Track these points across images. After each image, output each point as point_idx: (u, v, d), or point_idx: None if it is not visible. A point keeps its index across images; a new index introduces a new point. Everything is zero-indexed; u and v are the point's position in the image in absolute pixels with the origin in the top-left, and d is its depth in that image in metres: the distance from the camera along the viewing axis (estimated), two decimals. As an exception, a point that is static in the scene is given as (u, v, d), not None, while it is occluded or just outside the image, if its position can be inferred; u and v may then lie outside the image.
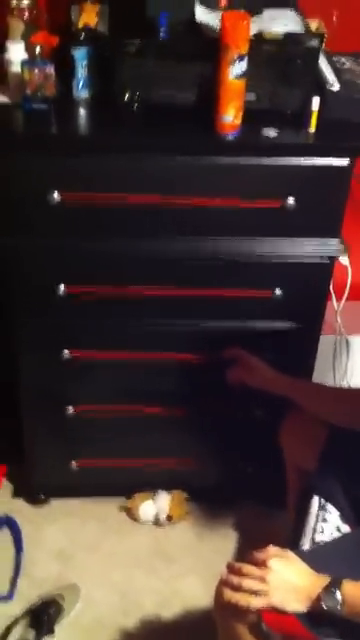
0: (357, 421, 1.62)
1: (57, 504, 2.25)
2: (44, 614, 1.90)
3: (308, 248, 1.75)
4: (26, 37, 1.69)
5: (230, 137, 1.61)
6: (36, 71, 1.60)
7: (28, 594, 2.01)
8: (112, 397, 2.00)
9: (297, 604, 1.33)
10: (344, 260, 1.91)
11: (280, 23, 1.64)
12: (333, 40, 1.77)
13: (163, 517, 2.17)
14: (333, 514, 1.57)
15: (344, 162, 1.64)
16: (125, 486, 2.23)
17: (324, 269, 1.80)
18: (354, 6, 1.94)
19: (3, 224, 1.72)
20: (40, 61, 1.62)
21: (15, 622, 1.92)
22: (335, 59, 1.79)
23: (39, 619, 1.90)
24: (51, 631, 1.90)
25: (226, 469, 2.14)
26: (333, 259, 1.78)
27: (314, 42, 1.61)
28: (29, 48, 1.66)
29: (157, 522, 2.19)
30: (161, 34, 1.59)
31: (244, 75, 1.54)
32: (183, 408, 2.01)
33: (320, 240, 1.75)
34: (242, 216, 1.70)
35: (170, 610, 1.99)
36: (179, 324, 1.87)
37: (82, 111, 1.69)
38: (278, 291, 1.80)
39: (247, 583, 1.34)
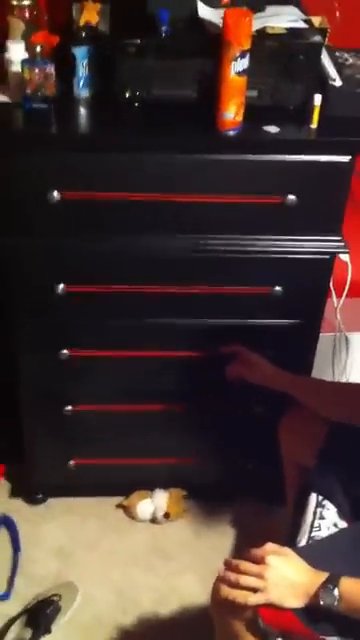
0: (356, 415, 1.63)
1: (56, 503, 2.25)
2: (41, 613, 1.90)
3: (308, 245, 1.75)
4: (26, 36, 1.69)
5: (231, 134, 1.61)
6: (36, 70, 1.60)
7: (26, 593, 2.00)
8: (112, 396, 2.00)
9: (295, 600, 1.33)
10: (344, 257, 1.91)
11: (282, 19, 1.64)
12: (336, 36, 1.77)
13: (160, 515, 2.17)
14: (331, 511, 1.57)
15: (345, 159, 1.65)
16: (124, 485, 2.23)
17: (324, 266, 1.80)
18: (357, 2, 1.94)
19: (3, 224, 1.72)
20: (40, 60, 1.62)
21: (12, 621, 1.92)
22: (338, 54, 1.80)
23: (36, 618, 1.89)
24: (48, 630, 1.89)
25: (226, 466, 2.15)
26: (333, 256, 1.79)
27: (317, 37, 1.62)
28: (29, 47, 1.66)
29: (155, 520, 2.20)
30: (162, 31, 1.59)
31: (245, 72, 1.54)
32: (183, 406, 2.01)
33: (320, 237, 1.75)
34: (242, 213, 1.70)
35: (168, 607, 2.00)
36: (179, 322, 1.87)
37: (82, 110, 1.69)
38: (278, 288, 1.80)
39: (245, 580, 1.35)
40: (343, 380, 2.24)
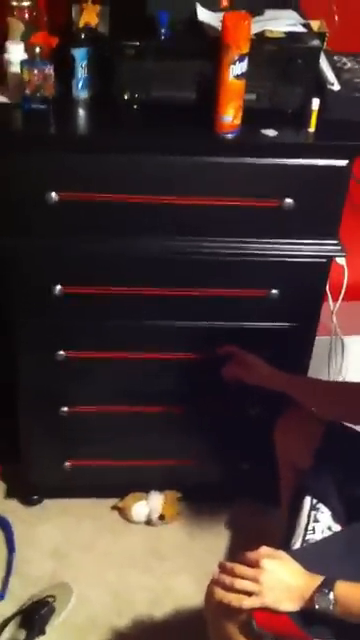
0: (351, 414, 1.63)
1: (51, 504, 2.25)
2: (35, 614, 1.89)
3: (305, 248, 1.76)
4: (26, 38, 1.69)
5: (229, 137, 1.61)
6: (35, 71, 1.60)
7: (20, 594, 2.00)
8: (109, 397, 2.00)
9: (290, 604, 1.33)
10: (340, 260, 1.92)
11: (281, 23, 1.64)
12: (335, 40, 1.78)
13: (155, 517, 2.17)
14: (325, 514, 1.57)
15: (343, 162, 1.65)
16: (119, 486, 2.22)
17: (321, 269, 1.80)
18: (356, 6, 1.95)
19: (1, 224, 1.72)
20: (39, 61, 1.62)
21: (6, 622, 1.92)
22: (336, 59, 1.80)
23: (31, 619, 1.89)
24: (42, 632, 1.89)
25: (222, 467, 2.15)
26: (330, 259, 1.79)
27: (315, 41, 1.62)
28: (29, 49, 1.66)
29: (150, 522, 2.20)
30: (161, 34, 1.59)
31: (244, 75, 1.55)
32: (180, 407, 2.01)
33: (317, 240, 1.75)
34: (240, 216, 1.71)
35: (162, 609, 1.99)
36: (177, 324, 1.87)
37: (81, 111, 1.69)
38: (275, 291, 1.80)
39: (240, 583, 1.35)
40: (339, 382, 2.25)
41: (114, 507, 2.24)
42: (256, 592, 1.33)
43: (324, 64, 1.73)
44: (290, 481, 1.77)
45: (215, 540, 2.18)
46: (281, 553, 1.39)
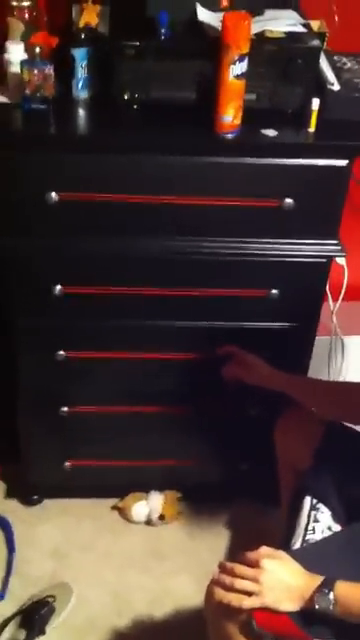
0: (351, 414, 1.63)
1: (51, 504, 2.25)
2: (35, 614, 1.90)
3: (305, 248, 1.76)
4: (26, 38, 1.69)
5: (229, 137, 1.61)
6: (35, 71, 1.60)
7: (20, 594, 2.00)
8: (109, 397, 2.00)
9: (290, 604, 1.33)
10: (340, 260, 1.92)
11: (281, 23, 1.64)
12: (335, 40, 1.78)
13: (155, 517, 2.18)
14: (325, 514, 1.57)
15: (343, 163, 1.65)
16: (119, 486, 2.23)
17: (321, 269, 1.80)
18: (356, 6, 1.95)
19: (1, 224, 1.72)
20: (39, 61, 1.62)
21: (6, 622, 1.92)
22: (336, 59, 1.80)
23: (30, 619, 1.89)
24: (42, 632, 1.89)
25: (222, 467, 2.15)
26: (330, 259, 1.79)
27: (315, 41, 1.62)
28: (29, 48, 1.66)
29: (150, 522, 2.20)
30: (161, 34, 1.59)
31: (244, 75, 1.55)
32: (180, 407, 2.01)
33: (318, 240, 1.75)
34: (240, 216, 1.71)
35: (162, 609, 2.00)
36: (177, 324, 1.87)
37: (81, 111, 1.69)
38: (275, 291, 1.80)
39: (240, 583, 1.35)
40: (339, 383, 2.25)
41: (114, 507, 2.24)
42: (256, 592, 1.33)
43: (324, 64, 1.73)
44: (290, 481, 1.77)
45: (215, 540, 2.18)
46: (281, 553, 1.39)
